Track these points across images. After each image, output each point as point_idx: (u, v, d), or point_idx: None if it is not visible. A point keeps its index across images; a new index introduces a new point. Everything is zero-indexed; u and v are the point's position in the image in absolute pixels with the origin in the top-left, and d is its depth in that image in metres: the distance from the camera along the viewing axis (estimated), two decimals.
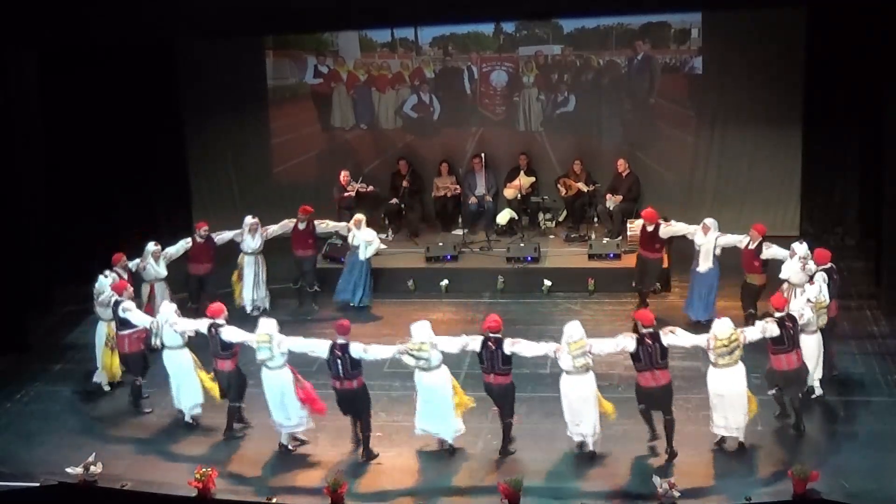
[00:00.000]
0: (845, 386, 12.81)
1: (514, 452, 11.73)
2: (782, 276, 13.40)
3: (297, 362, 12.19)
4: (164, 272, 14.63)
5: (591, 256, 16.30)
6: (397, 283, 16.40)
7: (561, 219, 17.83)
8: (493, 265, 16.43)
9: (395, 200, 17.78)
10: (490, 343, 11.51)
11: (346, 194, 17.25)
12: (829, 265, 12.79)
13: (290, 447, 12.06)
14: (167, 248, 14.82)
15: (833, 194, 17.30)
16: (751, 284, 14.13)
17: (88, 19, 14.20)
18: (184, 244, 15.09)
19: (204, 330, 12.29)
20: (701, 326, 13.90)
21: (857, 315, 14.63)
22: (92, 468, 11.27)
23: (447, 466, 11.67)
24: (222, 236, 15.46)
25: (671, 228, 14.83)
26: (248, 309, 15.30)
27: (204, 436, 12.50)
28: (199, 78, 18.31)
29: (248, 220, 15.49)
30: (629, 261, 15.71)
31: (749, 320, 13.33)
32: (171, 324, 12.46)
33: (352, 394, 11.73)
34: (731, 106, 17.37)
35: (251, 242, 15.43)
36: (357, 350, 11.62)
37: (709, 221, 14.44)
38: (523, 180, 17.57)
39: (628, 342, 11.36)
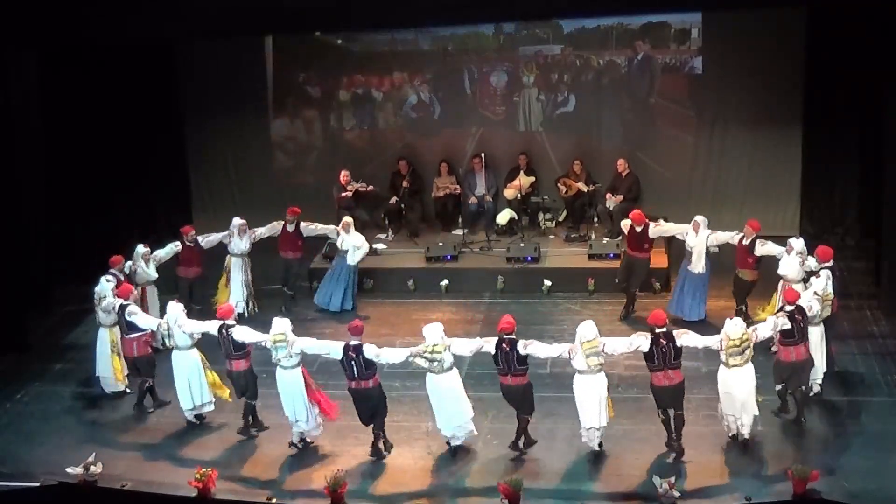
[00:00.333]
0: (845, 386, 12.81)
1: (525, 453, 11.71)
2: (780, 272, 13.44)
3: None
4: (154, 275, 14.57)
5: (591, 256, 16.29)
6: (397, 283, 16.40)
7: (561, 219, 17.83)
8: (493, 265, 16.43)
9: (394, 200, 17.78)
10: (504, 345, 11.47)
11: (345, 194, 17.25)
12: (831, 262, 12.81)
13: (299, 445, 12.05)
14: (156, 252, 14.78)
15: (833, 194, 17.31)
16: (742, 280, 14.17)
17: (88, 19, 14.19)
18: (172, 248, 15.03)
19: (213, 331, 12.26)
20: (692, 326, 13.93)
21: (857, 315, 14.63)
22: (92, 468, 11.27)
23: (447, 466, 11.66)
24: (210, 239, 15.41)
25: (661, 229, 14.86)
26: (239, 311, 15.17)
27: (204, 436, 12.50)
28: (199, 78, 18.31)
29: (237, 221, 15.46)
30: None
31: (739, 316, 13.34)
32: (179, 325, 12.42)
33: (368, 393, 11.71)
34: (731, 106, 17.37)
35: (240, 244, 15.40)
36: (370, 352, 11.61)
37: (699, 219, 14.47)
38: (523, 180, 17.57)
39: (642, 342, 11.34)
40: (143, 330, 12.84)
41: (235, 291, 15.40)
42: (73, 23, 14.23)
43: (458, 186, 17.98)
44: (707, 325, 14.05)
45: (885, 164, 14.70)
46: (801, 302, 11.87)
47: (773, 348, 12.37)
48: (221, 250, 15.53)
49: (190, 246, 15.12)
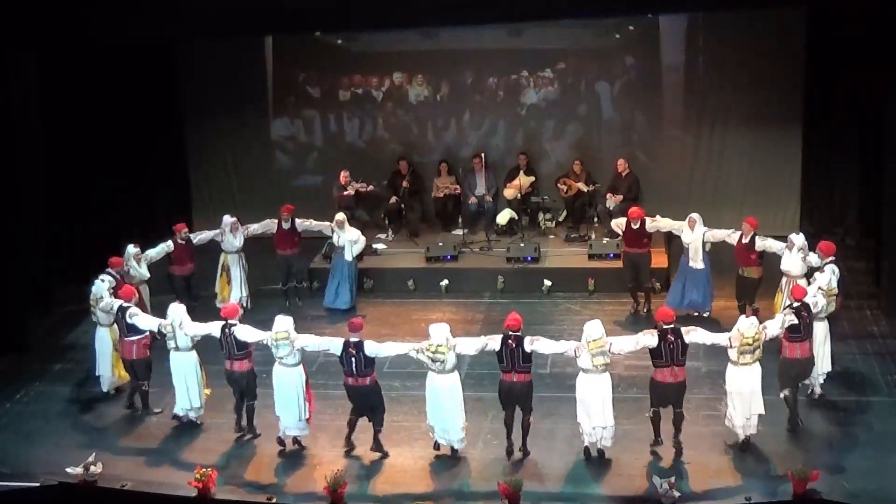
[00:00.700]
0: (845, 386, 12.81)
1: (529, 454, 11.69)
2: (783, 268, 13.49)
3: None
4: (146, 274, 14.57)
5: (591, 256, 16.29)
6: (397, 283, 16.40)
7: (561, 219, 17.84)
8: (493, 265, 16.44)
9: (394, 200, 17.78)
10: (510, 341, 11.45)
11: (345, 193, 17.24)
12: (833, 256, 12.83)
13: (287, 444, 12.05)
14: (147, 251, 14.76)
15: (833, 194, 17.32)
16: (748, 278, 14.16)
17: (88, 19, 14.19)
18: (164, 247, 15.03)
19: (216, 333, 12.21)
20: (695, 320, 13.97)
21: (857, 315, 14.63)
22: (92, 468, 11.26)
23: (447, 467, 11.65)
24: (202, 237, 15.47)
25: (657, 224, 14.91)
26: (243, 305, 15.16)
27: (204, 436, 12.49)
28: (199, 78, 18.31)
29: (228, 219, 15.47)
30: None
31: (755, 314, 13.34)
32: (181, 326, 12.35)
33: (366, 390, 11.73)
34: (731, 106, 17.38)
35: (234, 241, 15.42)
36: (371, 347, 11.63)
37: (694, 216, 14.50)
38: (523, 180, 17.57)
39: (649, 339, 11.33)
40: (142, 332, 12.81)
41: (237, 288, 15.44)
42: (73, 23, 14.22)
43: (457, 186, 17.99)
44: (708, 323, 14.07)
45: (885, 164, 14.70)
46: (807, 298, 11.88)
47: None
48: (214, 246, 15.54)
49: (182, 244, 15.14)
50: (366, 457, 11.85)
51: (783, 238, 13.84)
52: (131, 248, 14.49)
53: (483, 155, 17.78)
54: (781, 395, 11.87)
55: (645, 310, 15.01)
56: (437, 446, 11.84)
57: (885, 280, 14.84)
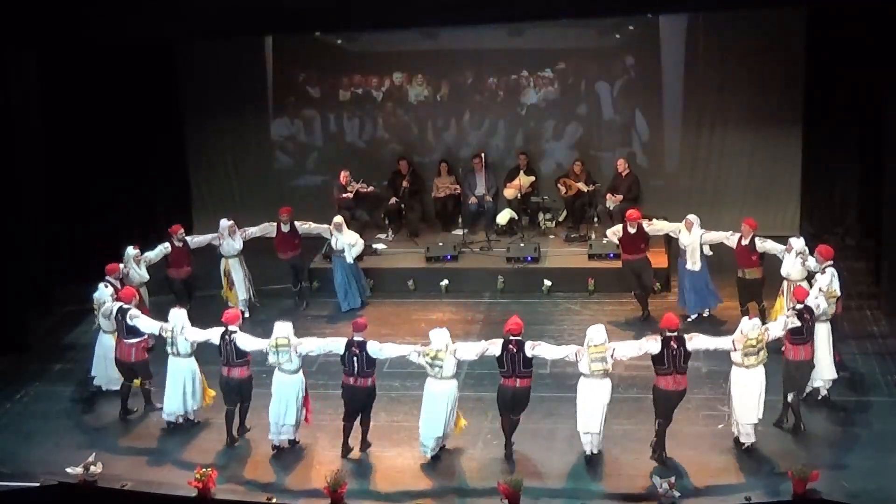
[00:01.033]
0: (846, 386, 12.79)
1: (513, 444, 11.71)
2: (783, 272, 13.46)
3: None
4: (146, 276, 14.51)
5: (591, 256, 16.29)
6: (397, 283, 16.39)
7: (561, 219, 17.83)
8: (493, 265, 16.43)
9: (394, 200, 17.78)
10: (511, 346, 11.41)
11: (345, 195, 17.24)
12: (832, 260, 12.82)
13: (282, 446, 12.03)
14: (146, 253, 14.70)
15: (833, 194, 17.32)
16: (751, 279, 14.11)
17: (88, 19, 14.20)
18: (162, 249, 14.96)
19: (215, 339, 12.16)
20: (702, 321, 13.99)
21: (857, 315, 14.62)
22: (92, 468, 11.26)
23: (447, 466, 11.66)
24: (198, 240, 15.40)
25: (654, 227, 14.90)
26: (243, 309, 15.05)
27: (204, 436, 12.48)
28: (199, 78, 18.32)
29: (225, 223, 15.39)
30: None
31: (759, 314, 13.44)
32: (182, 332, 12.30)
33: (364, 392, 11.73)
34: (731, 106, 17.38)
35: (232, 244, 15.35)
36: (374, 348, 11.61)
37: (691, 217, 14.49)
38: (523, 180, 17.58)
39: (652, 345, 11.27)
40: (142, 335, 12.74)
41: (241, 292, 15.40)
42: (73, 23, 14.23)
43: (457, 186, 17.99)
44: (709, 323, 14.08)
45: (885, 164, 14.70)
46: (809, 300, 11.87)
47: None
48: (213, 248, 15.50)
49: (179, 246, 15.09)
50: (365, 457, 11.85)
51: (783, 239, 13.81)
52: (131, 250, 14.44)
53: (483, 155, 17.78)
54: (788, 398, 11.86)
55: (645, 316, 14.94)
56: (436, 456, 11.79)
57: (885, 280, 14.84)
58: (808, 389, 12.22)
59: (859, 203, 16.99)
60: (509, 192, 17.72)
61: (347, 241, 15.54)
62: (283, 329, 11.86)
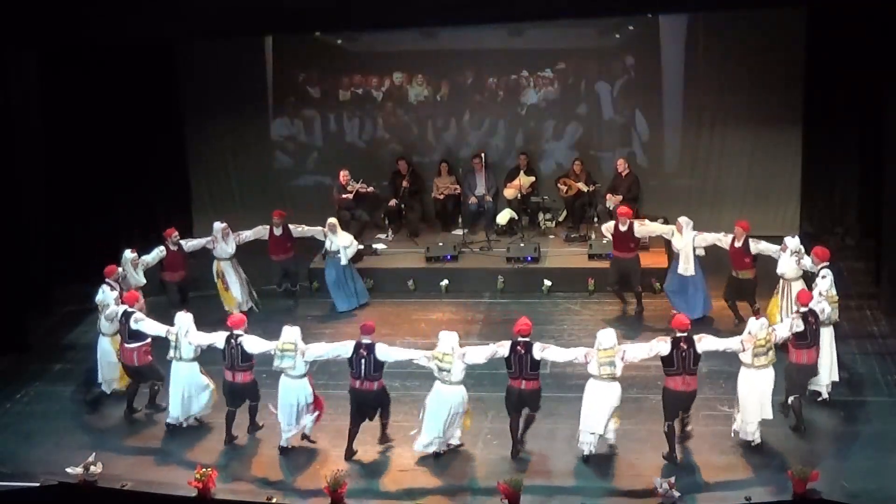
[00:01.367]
0: (846, 386, 12.78)
1: (525, 443, 11.71)
2: (778, 271, 13.52)
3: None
4: (143, 280, 14.40)
5: (591, 256, 16.28)
6: (397, 283, 16.39)
7: (561, 219, 17.84)
8: (493, 265, 16.43)
9: (394, 202, 17.77)
10: (519, 347, 11.40)
11: (345, 195, 17.24)
12: (828, 262, 12.86)
13: (290, 447, 12.01)
14: (143, 257, 14.59)
15: (833, 194, 17.32)
16: (745, 279, 14.14)
17: (88, 19, 14.20)
18: (158, 252, 14.88)
19: (220, 343, 12.12)
20: (700, 324, 13.98)
21: (857, 315, 14.62)
22: (92, 468, 11.26)
23: (447, 466, 11.66)
24: (193, 243, 15.34)
25: (645, 228, 14.94)
26: (244, 309, 15.06)
27: (204, 436, 12.47)
28: (199, 78, 18.32)
29: (218, 225, 15.36)
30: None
31: (755, 314, 13.40)
32: (186, 335, 12.25)
33: (371, 395, 11.66)
34: (731, 106, 17.38)
35: (226, 247, 15.30)
36: (382, 351, 11.57)
37: (682, 220, 14.50)
38: (523, 180, 17.58)
39: (662, 346, 11.28)
40: (144, 339, 12.66)
41: (237, 293, 15.37)
42: (73, 23, 14.23)
43: (457, 186, 17.99)
44: (702, 324, 14.07)
45: (885, 164, 14.70)
46: (813, 304, 11.87)
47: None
48: (208, 251, 15.44)
49: (174, 249, 15.01)
50: (365, 456, 11.84)
51: (783, 239, 13.82)
52: (128, 254, 14.33)
53: (483, 155, 17.78)
54: (789, 400, 11.86)
55: (636, 311, 14.96)
56: (436, 455, 11.77)
57: (885, 280, 14.84)
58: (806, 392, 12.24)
59: (859, 203, 16.99)
60: (509, 192, 17.73)
61: (342, 243, 15.50)
62: (290, 334, 11.81)
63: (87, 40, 15.13)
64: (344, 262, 15.54)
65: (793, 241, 13.44)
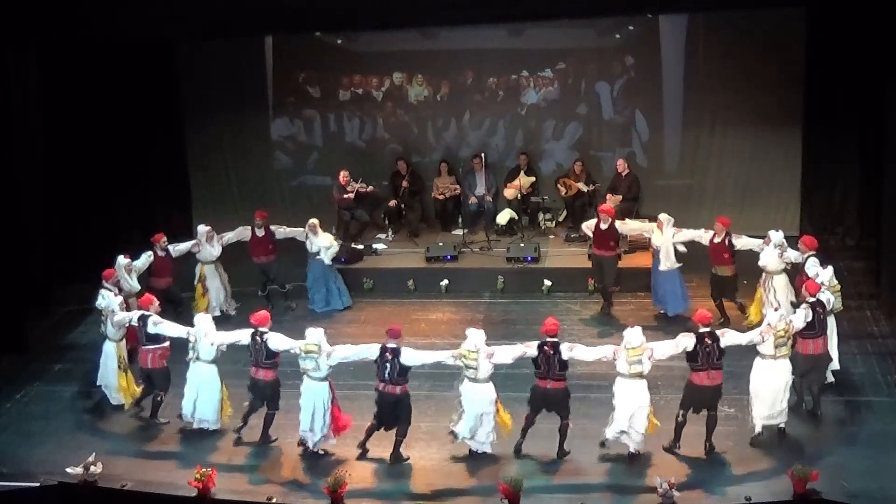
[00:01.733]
0: (845, 386, 12.80)
1: (570, 452, 11.64)
2: (760, 263, 13.76)
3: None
4: (136, 286, 14.20)
5: (591, 256, 16.25)
6: (397, 283, 16.39)
7: (561, 219, 17.84)
8: (493, 265, 16.43)
9: (394, 202, 17.77)
10: (547, 348, 11.41)
11: (345, 195, 17.23)
12: (815, 251, 13.13)
13: (311, 450, 11.92)
14: (134, 262, 14.36)
15: (833, 194, 17.32)
16: (723, 276, 14.30)
17: (88, 19, 14.21)
18: (147, 258, 14.68)
19: (245, 340, 12.10)
20: (680, 321, 13.99)
21: (857, 315, 14.62)
22: (92, 468, 11.25)
23: (447, 466, 11.66)
24: (179, 248, 15.16)
25: (627, 226, 15.10)
26: (216, 314, 14.73)
27: (204, 436, 12.45)
28: (199, 78, 18.31)
29: (203, 228, 15.31)
30: (629, 261, 15.73)
31: (740, 309, 13.93)
32: (206, 336, 12.20)
33: (395, 399, 11.59)
34: (732, 106, 17.37)
35: (210, 251, 15.24)
36: (408, 355, 11.49)
37: (663, 218, 14.59)
38: (523, 180, 17.58)
39: (688, 342, 11.36)
40: (162, 342, 12.56)
41: (213, 297, 15.23)
42: (74, 23, 14.24)
43: (457, 186, 17.99)
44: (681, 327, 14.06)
45: (885, 164, 14.70)
46: (820, 295, 12.02)
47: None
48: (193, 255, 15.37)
49: (162, 255, 14.84)
50: (366, 456, 11.83)
51: (787, 239, 13.88)
52: (121, 260, 14.08)
53: (483, 155, 17.78)
54: (814, 389, 12.10)
55: (607, 312, 14.97)
56: (471, 452, 11.75)
57: (885, 280, 14.84)
58: None
59: (859, 203, 17.00)
60: (509, 192, 17.72)
61: (322, 244, 15.43)
62: (313, 335, 11.77)
63: (88, 40, 15.16)
64: (326, 262, 15.47)
65: (776, 235, 13.67)
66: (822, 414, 11.99)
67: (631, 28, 17.54)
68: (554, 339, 11.46)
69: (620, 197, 16.95)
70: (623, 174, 17.14)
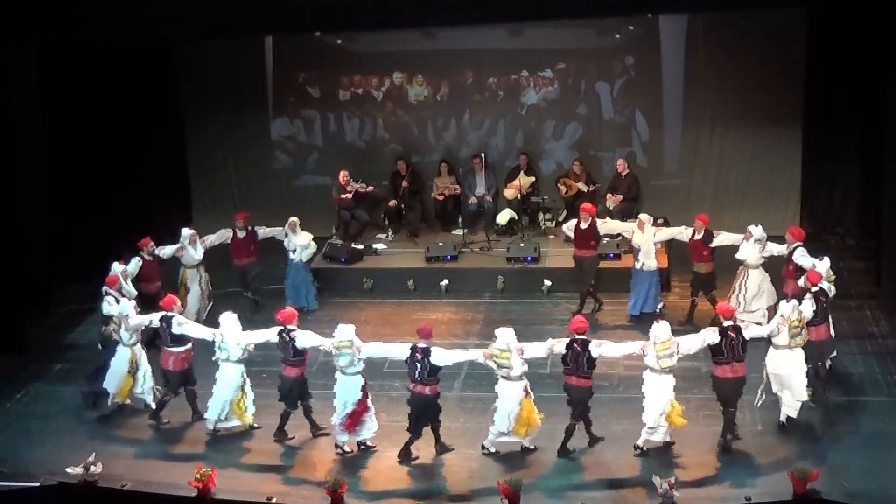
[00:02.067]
0: (845, 386, 12.82)
1: (574, 452, 11.68)
2: (739, 256, 14.00)
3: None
4: (134, 291, 14.04)
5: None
6: (397, 283, 16.39)
7: (561, 219, 17.77)
8: (493, 265, 16.43)
9: (394, 202, 17.77)
10: (576, 345, 11.46)
11: (345, 195, 17.23)
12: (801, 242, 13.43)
13: (346, 449, 11.93)
14: (126, 267, 14.17)
15: (833, 194, 17.33)
16: (699, 273, 14.46)
17: (88, 19, 14.21)
18: (136, 263, 14.48)
19: (274, 338, 12.10)
20: (645, 319, 13.98)
21: (857, 315, 14.65)
22: (92, 468, 11.26)
23: (447, 466, 11.66)
24: (166, 251, 15.05)
25: (607, 226, 15.19)
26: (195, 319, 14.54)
27: (204, 436, 12.47)
28: (199, 78, 18.31)
29: (186, 231, 15.24)
30: (629, 261, 15.70)
31: (693, 306, 14.32)
32: (233, 336, 12.17)
33: (425, 399, 11.59)
34: (731, 106, 17.38)
35: (194, 254, 15.16)
36: (438, 355, 11.48)
37: (643, 217, 14.75)
38: (523, 180, 17.57)
39: (713, 336, 11.50)
40: (187, 343, 12.48)
41: (192, 302, 15.09)
42: (74, 23, 14.24)
43: (457, 186, 17.98)
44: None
45: (885, 164, 14.71)
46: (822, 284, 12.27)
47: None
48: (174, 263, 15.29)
49: (149, 260, 14.70)
50: (365, 455, 11.85)
51: (782, 239, 13.88)
52: (117, 266, 13.96)
53: (483, 155, 17.78)
54: (820, 372, 12.29)
55: (574, 311, 14.82)
56: (486, 450, 11.75)
57: (885, 280, 14.85)
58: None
59: (859, 203, 17.00)
60: (509, 192, 17.72)
61: (299, 242, 15.41)
62: (345, 331, 11.77)
63: (88, 40, 15.16)
64: (302, 260, 15.42)
65: (757, 230, 13.92)
66: (827, 398, 12.16)
67: (631, 28, 17.54)
68: (583, 337, 11.49)
69: (621, 197, 16.96)
70: (623, 174, 17.14)
